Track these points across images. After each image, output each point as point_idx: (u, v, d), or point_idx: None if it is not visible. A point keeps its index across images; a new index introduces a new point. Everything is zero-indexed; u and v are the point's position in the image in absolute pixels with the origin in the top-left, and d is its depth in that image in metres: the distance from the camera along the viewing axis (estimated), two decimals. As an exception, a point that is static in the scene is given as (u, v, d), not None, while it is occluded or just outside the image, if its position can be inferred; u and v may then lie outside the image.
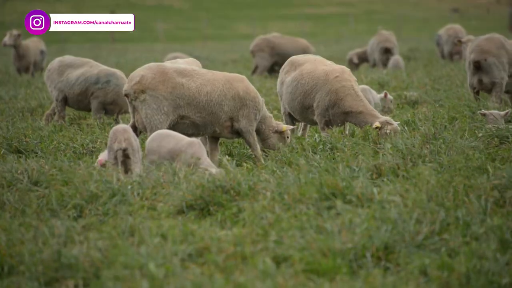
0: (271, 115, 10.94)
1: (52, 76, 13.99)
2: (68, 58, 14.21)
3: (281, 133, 10.83)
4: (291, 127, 10.98)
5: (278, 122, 10.95)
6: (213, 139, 10.69)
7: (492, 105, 13.25)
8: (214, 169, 8.81)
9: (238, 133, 10.56)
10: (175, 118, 10.13)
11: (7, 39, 23.65)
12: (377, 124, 10.77)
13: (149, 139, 9.33)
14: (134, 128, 10.20)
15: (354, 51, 27.51)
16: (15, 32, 23.90)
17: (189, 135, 10.33)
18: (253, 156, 10.73)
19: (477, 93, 14.04)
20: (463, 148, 9.59)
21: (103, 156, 9.63)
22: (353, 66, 26.33)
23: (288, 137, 10.88)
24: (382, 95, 14.75)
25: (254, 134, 10.59)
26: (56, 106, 14.01)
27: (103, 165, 9.49)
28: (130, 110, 10.29)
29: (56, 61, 14.14)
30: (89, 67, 13.98)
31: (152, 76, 10.06)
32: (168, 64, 10.35)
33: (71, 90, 13.86)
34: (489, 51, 13.69)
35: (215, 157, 10.46)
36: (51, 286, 6.24)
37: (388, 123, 10.81)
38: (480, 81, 13.80)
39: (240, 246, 6.65)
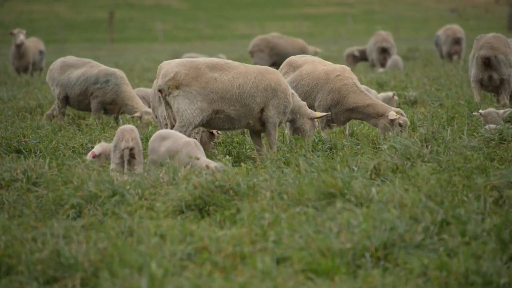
0: (304, 103, 10.93)
1: (54, 75, 14.07)
2: (70, 58, 14.30)
3: (313, 120, 10.86)
4: (324, 114, 10.97)
5: (310, 109, 10.97)
6: (255, 136, 10.70)
7: (502, 102, 13.44)
8: (212, 164, 8.81)
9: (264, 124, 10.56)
10: (210, 113, 10.14)
11: (23, 37, 23.61)
12: (393, 113, 10.88)
13: (151, 139, 9.36)
14: (172, 127, 10.22)
15: (354, 47, 27.54)
16: (23, 30, 23.84)
17: (225, 130, 10.44)
18: (252, 156, 10.73)
19: (480, 89, 14.15)
20: (462, 148, 9.59)
21: (96, 148, 9.63)
22: (353, 59, 26.35)
23: (318, 124, 10.88)
24: (390, 94, 14.62)
25: (277, 128, 10.61)
26: (57, 103, 14.06)
27: (95, 157, 9.52)
28: (163, 106, 10.31)
29: (58, 61, 14.25)
30: (89, 67, 14.04)
31: (186, 72, 10.07)
32: (201, 59, 10.33)
33: (72, 90, 13.92)
34: (499, 48, 13.89)
35: (261, 152, 10.52)
36: (50, 286, 6.24)
37: (401, 114, 10.96)
38: (490, 77, 13.96)
39: (239, 246, 6.66)
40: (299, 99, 10.86)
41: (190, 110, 10.03)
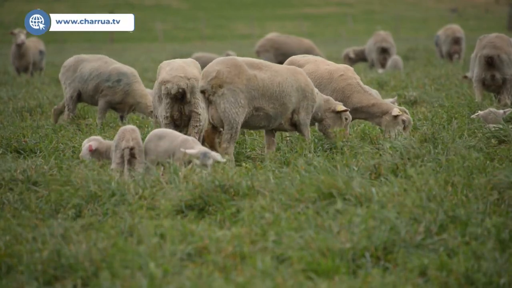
0: (328, 97, 10.88)
1: (67, 73, 14.01)
2: (83, 55, 14.29)
3: (337, 113, 10.80)
4: (345, 108, 10.81)
5: (336, 102, 10.89)
6: (269, 134, 10.71)
7: (503, 102, 13.51)
8: (195, 150, 8.83)
9: (295, 126, 10.57)
10: (250, 110, 10.13)
11: (23, 37, 23.62)
12: (396, 110, 10.91)
13: (146, 139, 9.34)
14: (212, 127, 10.20)
15: (351, 48, 27.55)
16: (24, 30, 23.84)
17: (260, 129, 10.47)
18: (252, 156, 10.73)
19: (482, 88, 14.19)
20: (462, 148, 9.59)
21: (93, 143, 9.61)
22: (349, 61, 26.36)
23: (346, 119, 10.81)
24: (392, 100, 14.54)
25: (309, 127, 10.61)
26: (68, 103, 13.97)
27: (92, 151, 9.50)
28: (204, 105, 10.23)
29: (72, 58, 14.21)
30: (103, 62, 13.98)
31: (228, 70, 10.03)
32: (239, 57, 10.30)
33: (85, 85, 13.87)
34: (502, 47, 13.95)
35: (272, 149, 10.53)
36: (50, 286, 6.24)
37: (405, 112, 10.97)
38: (493, 77, 14.02)
39: (239, 246, 6.66)
40: (322, 96, 10.82)
41: (235, 109, 9.99)
